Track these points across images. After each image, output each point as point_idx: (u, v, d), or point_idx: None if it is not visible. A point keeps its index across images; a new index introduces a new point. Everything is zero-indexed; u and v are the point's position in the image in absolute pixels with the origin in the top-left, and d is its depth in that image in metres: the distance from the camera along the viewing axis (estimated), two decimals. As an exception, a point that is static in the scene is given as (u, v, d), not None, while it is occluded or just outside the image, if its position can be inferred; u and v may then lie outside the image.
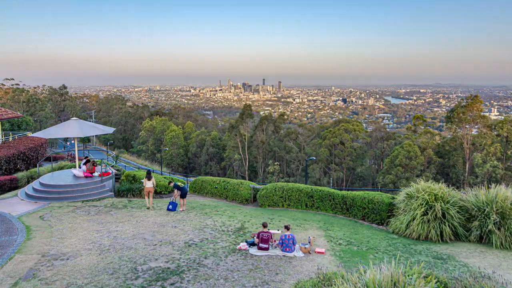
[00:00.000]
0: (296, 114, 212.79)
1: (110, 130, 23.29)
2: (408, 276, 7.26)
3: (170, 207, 15.88)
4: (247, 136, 63.57)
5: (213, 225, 13.84)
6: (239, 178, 61.76)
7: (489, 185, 12.84)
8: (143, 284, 9.14)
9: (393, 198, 14.85)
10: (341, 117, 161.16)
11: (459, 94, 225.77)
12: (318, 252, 11.12)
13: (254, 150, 63.22)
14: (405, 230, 12.90)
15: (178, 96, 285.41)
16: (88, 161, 19.68)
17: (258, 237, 11.20)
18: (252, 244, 11.45)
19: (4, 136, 30.23)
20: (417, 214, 12.71)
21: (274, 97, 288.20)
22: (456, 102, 54.96)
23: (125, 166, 47.95)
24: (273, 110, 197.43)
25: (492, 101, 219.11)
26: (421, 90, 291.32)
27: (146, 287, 9.01)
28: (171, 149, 68.92)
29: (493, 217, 11.75)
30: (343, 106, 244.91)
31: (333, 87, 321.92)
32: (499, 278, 8.04)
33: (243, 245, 11.54)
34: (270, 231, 12.14)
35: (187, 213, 15.51)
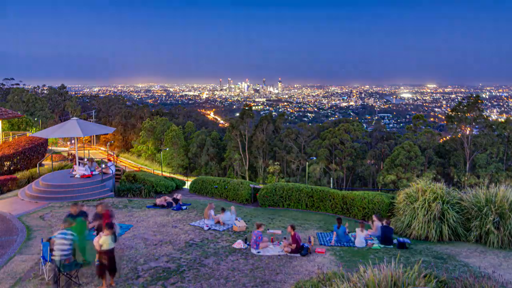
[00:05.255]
0: (297, 114, 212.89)
1: (110, 130, 23.34)
2: (408, 275, 7.26)
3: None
4: (247, 136, 63.56)
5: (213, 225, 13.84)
6: (239, 178, 61.75)
7: (489, 186, 12.84)
8: (144, 283, 9.16)
9: (393, 198, 14.85)
10: (341, 117, 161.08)
11: (460, 94, 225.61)
12: (318, 252, 11.14)
13: (254, 150, 63.19)
14: (405, 230, 12.92)
15: (178, 96, 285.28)
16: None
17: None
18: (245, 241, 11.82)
19: (4, 136, 30.23)
20: (417, 214, 12.71)
21: (274, 96, 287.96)
22: (457, 102, 54.96)
23: (125, 166, 47.97)
24: (273, 110, 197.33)
25: (493, 101, 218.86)
26: (422, 90, 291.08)
27: (146, 287, 9.02)
28: (172, 149, 68.90)
29: (492, 216, 11.76)
30: (343, 105, 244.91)
31: (333, 87, 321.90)
32: (499, 278, 8.05)
33: (239, 243, 11.68)
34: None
35: (188, 213, 15.52)
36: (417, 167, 47.42)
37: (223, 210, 14.01)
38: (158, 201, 16.67)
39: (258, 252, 11.00)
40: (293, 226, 11.40)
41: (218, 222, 13.73)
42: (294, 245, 10.95)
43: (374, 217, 12.95)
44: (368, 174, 57.16)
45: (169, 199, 16.94)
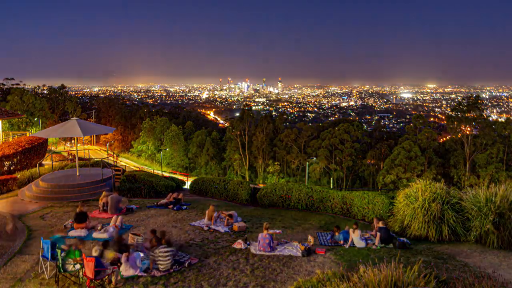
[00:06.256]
0: (297, 113, 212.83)
1: (110, 130, 23.41)
2: (408, 275, 7.27)
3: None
4: (247, 136, 63.57)
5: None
6: (239, 178, 61.71)
7: (489, 186, 12.81)
8: (144, 283, 9.18)
9: (393, 198, 14.85)
10: (341, 117, 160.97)
11: (460, 94, 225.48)
12: (319, 252, 11.14)
13: (254, 150, 63.18)
14: (405, 230, 12.91)
15: (178, 96, 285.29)
16: None
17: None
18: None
19: (4, 136, 30.24)
20: (416, 214, 12.71)
21: (274, 96, 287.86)
22: (457, 102, 54.96)
23: (125, 166, 47.99)
24: (273, 110, 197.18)
25: (493, 101, 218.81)
26: (422, 90, 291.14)
27: (147, 286, 9.04)
28: (171, 149, 68.90)
29: (492, 216, 11.75)
30: (343, 105, 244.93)
31: (333, 87, 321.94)
32: (499, 277, 8.06)
33: (239, 242, 11.67)
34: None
35: (188, 213, 15.53)
36: (417, 167, 47.40)
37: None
38: (165, 200, 16.68)
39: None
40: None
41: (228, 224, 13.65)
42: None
43: (375, 220, 12.94)
44: (368, 174, 57.13)
45: (175, 195, 17.04)
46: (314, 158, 55.45)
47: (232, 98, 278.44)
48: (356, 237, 11.89)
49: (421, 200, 12.76)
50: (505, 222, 11.62)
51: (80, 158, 23.99)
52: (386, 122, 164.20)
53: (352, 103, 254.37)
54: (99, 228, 12.84)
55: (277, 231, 12.64)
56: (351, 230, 12.03)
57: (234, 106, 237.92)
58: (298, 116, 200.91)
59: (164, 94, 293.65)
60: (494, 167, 45.01)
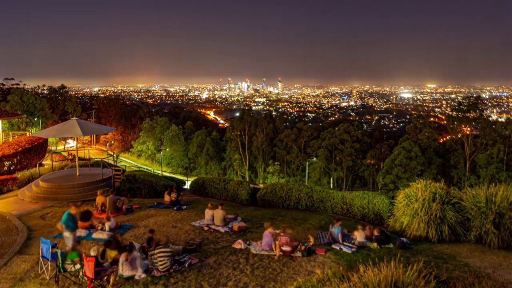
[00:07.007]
0: (297, 113, 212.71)
1: (110, 130, 23.43)
2: (408, 275, 7.27)
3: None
4: (247, 136, 63.56)
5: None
6: (239, 178, 61.68)
7: (489, 186, 12.80)
8: (144, 283, 9.18)
9: (393, 198, 14.83)
10: (341, 117, 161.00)
11: (460, 94, 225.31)
12: (319, 252, 11.14)
13: (254, 150, 63.16)
14: (405, 230, 12.91)
15: (178, 96, 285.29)
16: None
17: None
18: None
19: (4, 136, 30.23)
20: (417, 214, 12.70)
21: (274, 96, 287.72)
22: (457, 102, 54.98)
23: (125, 166, 48.00)
24: (273, 110, 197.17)
25: (493, 101, 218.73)
26: (422, 90, 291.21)
27: (147, 286, 9.04)
28: (171, 149, 68.86)
29: (492, 216, 11.74)
30: (343, 105, 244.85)
31: (333, 87, 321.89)
32: (499, 277, 8.06)
33: (239, 242, 11.66)
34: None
35: (188, 213, 15.53)
36: (417, 167, 47.34)
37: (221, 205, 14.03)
38: (167, 199, 16.67)
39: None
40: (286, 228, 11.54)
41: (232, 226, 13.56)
42: (288, 248, 10.94)
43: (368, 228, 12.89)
44: (368, 174, 57.09)
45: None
46: (314, 158, 55.41)
47: (232, 98, 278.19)
48: (361, 236, 11.91)
49: (421, 200, 12.75)
50: (505, 222, 11.61)
51: (80, 158, 23.98)
52: (386, 122, 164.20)
53: (352, 103, 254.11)
54: (99, 228, 12.86)
55: (277, 231, 12.64)
56: (356, 232, 12.02)
57: (234, 106, 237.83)
58: (298, 116, 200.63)
59: (164, 94, 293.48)
60: (495, 167, 44.95)
